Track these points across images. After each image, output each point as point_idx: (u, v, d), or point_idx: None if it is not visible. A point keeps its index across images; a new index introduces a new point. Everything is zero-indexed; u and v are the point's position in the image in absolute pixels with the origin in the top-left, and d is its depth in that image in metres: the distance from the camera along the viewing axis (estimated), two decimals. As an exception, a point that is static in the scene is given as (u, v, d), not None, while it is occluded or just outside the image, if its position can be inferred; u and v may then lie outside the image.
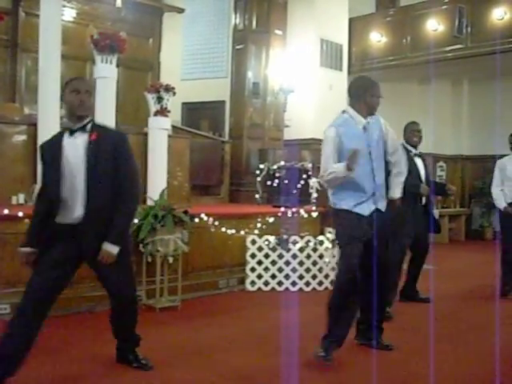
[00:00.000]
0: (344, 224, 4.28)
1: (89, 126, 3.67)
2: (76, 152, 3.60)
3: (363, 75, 4.78)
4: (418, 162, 6.11)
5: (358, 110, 4.33)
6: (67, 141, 3.64)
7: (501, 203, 6.66)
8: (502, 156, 6.96)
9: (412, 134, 6.11)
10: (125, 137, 3.80)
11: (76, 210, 3.59)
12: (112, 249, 3.60)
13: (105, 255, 3.59)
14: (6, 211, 5.51)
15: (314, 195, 8.07)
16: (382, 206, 4.37)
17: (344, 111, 4.41)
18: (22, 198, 6.98)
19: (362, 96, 4.33)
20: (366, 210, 4.26)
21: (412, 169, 5.79)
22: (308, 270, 7.01)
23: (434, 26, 10.96)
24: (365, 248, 4.25)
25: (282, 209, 7.48)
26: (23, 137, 7.34)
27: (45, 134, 6.82)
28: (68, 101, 3.65)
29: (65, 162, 3.59)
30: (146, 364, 3.96)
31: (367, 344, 4.55)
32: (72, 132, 3.65)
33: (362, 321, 4.61)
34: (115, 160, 3.63)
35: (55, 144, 3.67)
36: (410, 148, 6.04)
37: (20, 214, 5.39)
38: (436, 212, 10.60)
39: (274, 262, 6.97)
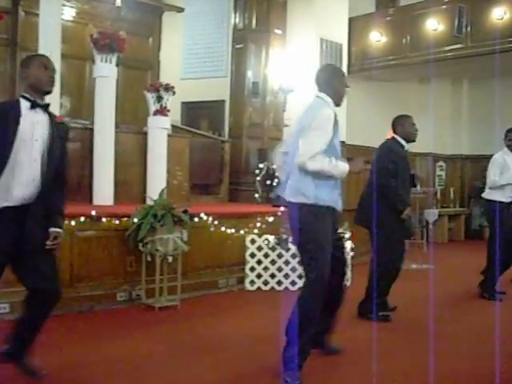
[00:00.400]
0: (323, 223, 3.94)
1: (48, 107, 3.51)
2: (32, 127, 3.38)
3: (330, 63, 4.64)
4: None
5: (332, 97, 4.11)
6: (26, 112, 3.39)
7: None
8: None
9: (413, 128, 5.63)
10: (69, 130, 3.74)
11: (23, 190, 3.35)
12: (60, 233, 3.49)
13: (57, 236, 3.44)
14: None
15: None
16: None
17: (318, 97, 4.13)
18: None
19: (332, 83, 4.13)
20: (340, 204, 4.06)
21: (405, 168, 5.55)
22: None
23: (434, 25, 10.95)
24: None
25: (282, 208, 7.47)
26: (23, 136, 7.33)
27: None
28: (35, 75, 3.44)
29: (17, 134, 3.33)
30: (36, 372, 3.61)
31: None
32: (34, 106, 3.43)
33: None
34: (63, 152, 3.53)
35: (14, 109, 3.38)
36: (403, 143, 5.58)
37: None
38: (435, 212, 10.63)
39: (273, 262, 6.97)
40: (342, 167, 3.93)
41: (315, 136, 3.85)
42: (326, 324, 4.29)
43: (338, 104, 4.16)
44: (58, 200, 3.53)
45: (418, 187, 6.31)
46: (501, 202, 6.55)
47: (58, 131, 3.49)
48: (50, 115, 3.49)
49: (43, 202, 3.40)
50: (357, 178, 7.89)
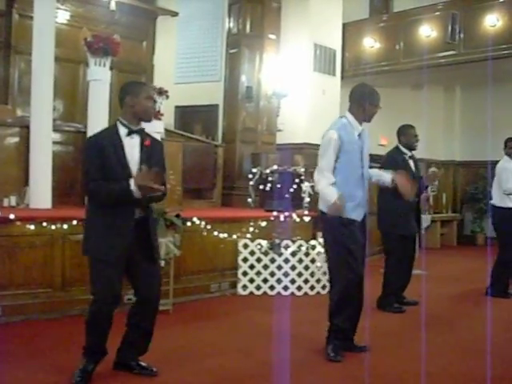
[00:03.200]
0: (340, 233, 4.33)
1: (142, 131, 3.83)
2: (132, 152, 3.72)
3: (365, 83, 4.82)
4: (411, 163, 6.25)
5: (356, 116, 4.41)
6: (125, 139, 3.73)
7: None
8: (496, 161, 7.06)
9: (415, 138, 6.28)
10: (163, 146, 4.05)
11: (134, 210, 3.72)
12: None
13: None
14: (-3, 213, 5.49)
15: (307, 200, 8.08)
16: (366, 213, 4.46)
17: (342, 116, 4.48)
18: (13, 200, 6.96)
19: (363, 103, 4.39)
20: (359, 215, 4.34)
21: (407, 171, 5.79)
22: (300, 275, 7.01)
23: (427, 32, 11.00)
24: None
25: (275, 213, 7.49)
26: (15, 139, 7.33)
27: (37, 136, 6.84)
28: (143, 105, 3.76)
29: (128, 160, 3.70)
30: (151, 369, 3.98)
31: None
32: (130, 132, 3.75)
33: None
34: (159, 166, 3.80)
35: (116, 140, 3.72)
36: (405, 151, 6.21)
37: (12, 216, 5.36)
38: (428, 217, 10.65)
39: (266, 266, 6.97)
40: (330, 194, 4.27)
41: (323, 162, 4.38)
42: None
43: (366, 121, 4.47)
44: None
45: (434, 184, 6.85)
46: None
47: (152, 152, 3.83)
48: (142, 139, 3.81)
49: (148, 218, 3.89)
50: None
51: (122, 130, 3.75)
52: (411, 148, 6.26)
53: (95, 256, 3.70)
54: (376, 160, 6.17)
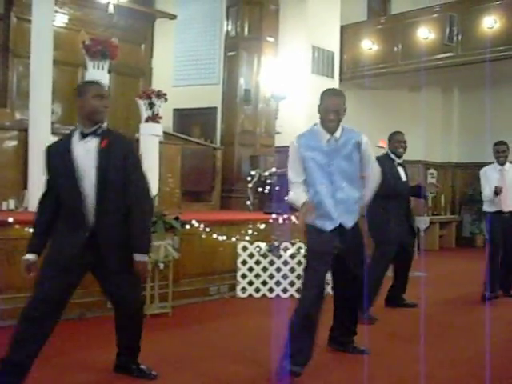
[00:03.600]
0: (310, 238, 4.29)
1: (100, 131, 3.59)
2: (86, 156, 3.51)
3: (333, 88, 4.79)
4: (401, 171, 6.22)
5: (322, 124, 4.22)
6: (77, 144, 3.55)
7: None
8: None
9: (398, 144, 6.17)
10: (132, 144, 3.84)
11: (85, 218, 3.53)
12: (142, 258, 3.62)
13: (139, 267, 3.60)
14: (-4, 217, 5.49)
15: (305, 202, 8.07)
16: (348, 221, 4.24)
17: (315, 124, 4.30)
18: (12, 203, 6.97)
19: (319, 109, 4.23)
20: (327, 225, 4.18)
21: (394, 175, 6.05)
22: (299, 277, 6.99)
23: (425, 34, 11.02)
24: (338, 262, 4.28)
25: (274, 215, 7.48)
26: (14, 142, 7.33)
27: (36, 139, 6.84)
28: (90, 104, 3.54)
29: (75, 167, 3.51)
30: (149, 373, 3.92)
31: (340, 349, 4.61)
32: (84, 135, 3.56)
33: (334, 327, 4.69)
34: (125, 169, 3.57)
35: (64, 148, 3.57)
36: (393, 157, 6.16)
37: (10, 219, 5.36)
38: (427, 219, 10.65)
39: (265, 269, 6.97)
40: (297, 200, 4.17)
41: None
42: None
43: (325, 127, 4.21)
44: (131, 227, 3.66)
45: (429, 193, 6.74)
46: None
47: (109, 153, 3.56)
48: (100, 140, 3.58)
49: (108, 226, 3.59)
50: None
51: (76, 135, 3.58)
52: (396, 154, 6.15)
53: (44, 258, 3.62)
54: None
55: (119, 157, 3.57)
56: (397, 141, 6.20)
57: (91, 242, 3.53)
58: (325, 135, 4.18)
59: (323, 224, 4.17)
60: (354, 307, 4.60)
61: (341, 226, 4.18)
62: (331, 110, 4.15)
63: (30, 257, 3.58)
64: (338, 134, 4.20)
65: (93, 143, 3.54)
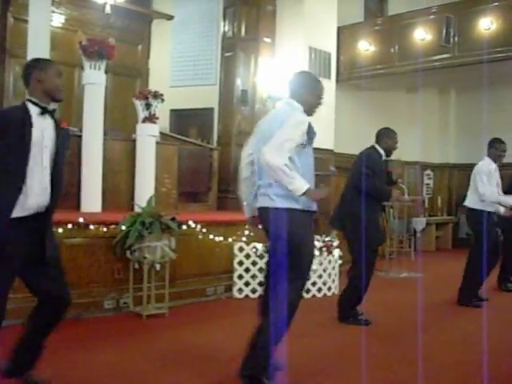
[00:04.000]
0: (301, 225, 3.78)
1: (55, 111, 3.41)
2: (43, 134, 3.27)
3: (305, 71, 4.56)
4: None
5: (310, 108, 3.99)
6: (37, 120, 3.27)
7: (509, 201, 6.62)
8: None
9: (396, 145, 5.90)
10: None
11: (36, 198, 3.26)
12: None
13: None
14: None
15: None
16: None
17: (288, 103, 3.98)
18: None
19: (304, 93, 3.99)
20: (314, 206, 3.83)
21: (381, 174, 5.73)
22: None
23: (422, 35, 11.03)
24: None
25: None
26: (10, 142, 7.31)
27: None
28: (53, 82, 3.36)
29: (34, 142, 3.24)
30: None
31: None
32: (44, 111, 3.32)
33: None
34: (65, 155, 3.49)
35: (25, 120, 3.23)
36: (382, 153, 5.81)
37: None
38: (423, 220, 10.67)
39: (261, 270, 6.95)
40: (299, 184, 3.54)
41: (287, 133, 3.60)
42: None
43: (309, 114, 3.95)
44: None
45: (398, 181, 6.44)
46: None
47: (63, 138, 3.44)
48: (56, 121, 3.40)
49: (54, 210, 3.38)
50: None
51: (33, 109, 3.28)
52: (388, 154, 5.88)
53: None
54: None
55: (67, 142, 3.53)
56: (396, 141, 5.91)
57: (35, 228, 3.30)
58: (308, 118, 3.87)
59: (311, 205, 3.79)
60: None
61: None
62: (323, 95, 4.05)
63: None
64: None
65: (49, 122, 3.34)
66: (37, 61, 3.49)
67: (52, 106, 3.45)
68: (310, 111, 3.96)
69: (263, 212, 3.88)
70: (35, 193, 3.25)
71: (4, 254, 3.20)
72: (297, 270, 3.75)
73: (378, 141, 5.85)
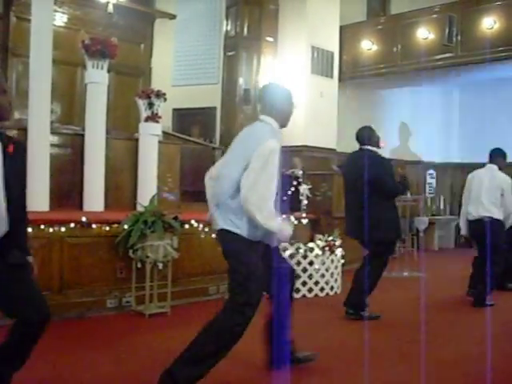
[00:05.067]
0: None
1: (1, 134, 2.98)
2: None
3: (273, 82, 4.40)
4: None
5: (283, 122, 3.84)
6: None
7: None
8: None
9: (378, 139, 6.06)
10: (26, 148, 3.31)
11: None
12: (31, 259, 3.11)
13: (33, 267, 3.11)
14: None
15: (305, 202, 8.08)
16: None
17: (262, 121, 3.81)
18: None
19: (282, 105, 3.85)
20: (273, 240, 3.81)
21: (392, 172, 5.91)
22: (297, 277, 7.00)
23: (425, 34, 11.02)
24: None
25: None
26: (13, 141, 7.31)
27: (35, 138, 6.83)
28: None
29: None
30: None
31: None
32: None
33: None
34: (24, 179, 3.13)
35: None
36: (380, 152, 6.01)
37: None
38: (426, 220, 10.65)
39: (263, 269, 6.95)
40: (281, 228, 3.62)
41: (264, 182, 3.49)
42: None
43: (283, 125, 3.84)
44: (21, 235, 3.09)
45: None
46: None
47: (16, 161, 2.99)
48: (3, 143, 2.93)
49: (16, 232, 3.00)
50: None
51: None
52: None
53: None
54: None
55: (21, 162, 3.07)
56: (377, 135, 6.07)
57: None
58: (280, 136, 3.75)
59: (270, 239, 3.75)
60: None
61: None
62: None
63: None
64: None
65: None
66: None
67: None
68: (285, 121, 3.85)
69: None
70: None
71: None
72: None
73: (369, 143, 5.96)
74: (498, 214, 6.58)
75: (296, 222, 7.58)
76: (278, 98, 3.84)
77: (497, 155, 6.75)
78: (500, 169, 6.70)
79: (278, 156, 3.56)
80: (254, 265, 3.63)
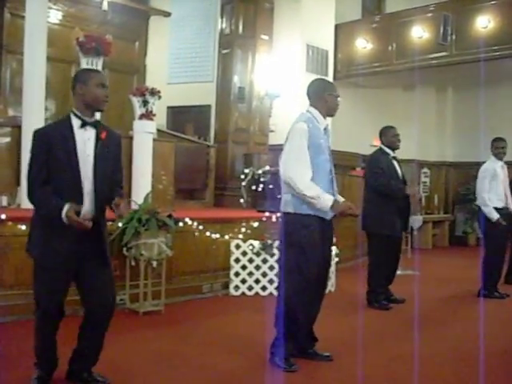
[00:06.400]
0: (309, 230, 4.09)
1: (98, 122, 3.54)
2: (85, 145, 3.42)
3: (320, 77, 4.85)
4: (396, 165, 6.37)
5: (320, 110, 4.28)
6: (78, 132, 3.41)
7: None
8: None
9: (395, 138, 6.32)
10: (121, 137, 3.78)
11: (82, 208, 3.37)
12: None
13: (122, 206, 3.44)
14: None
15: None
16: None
17: (307, 111, 4.34)
18: (5, 200, 6.94)
19: (323, 96, 4.28)
20: (327, 213, 4.13)
21: (392, 171, 6.25)
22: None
23: (419, 33, 11.04)
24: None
25: (267, 213, 7.48)
26: (7, 139, 7.30)
27: (29, 135, 6.80)
28: (93, 93, 3.42)
29: (79, 155, 3.39)
30: (104, 381, 3.67)
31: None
32: (84, 124, 3.44)
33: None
34: (116, 161, 3.65)
35: (66, 134, 3.40)
36: (388, 151, 6.29)
37: (3, 216, 5.34)
38: (420, 218, 10.67)
39: (258, 267, 6.96)
40: (322, 200, 4.00)
41: (297, 161, 4.07)
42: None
43: (329, 114, 4.34)
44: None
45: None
46: None
47: (108, 145, 3.54)
48: (97, 131, 3.49)
49: (101, 217, 3.53)
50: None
51: (75, 122, 3.43)
52: (393, 148, 6.34)
53: (39, 261, 3.44)
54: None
55: (113, 148, 3.60)
56: (393, 134, 6.31)
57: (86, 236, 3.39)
58: (323, 123, 4.27)
59: (326, 214, 4.11)
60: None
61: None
62: (336, 92, 4.35)
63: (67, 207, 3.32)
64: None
65: (91, 133, 3.46)
66: (81, 73, 3.59)
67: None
68: (329, 110, 4.32)
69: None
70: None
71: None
72: None
73: (380, 141, 6.39)
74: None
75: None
76: (312, 90, 4.35)
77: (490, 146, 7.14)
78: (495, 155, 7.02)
79: (306, 133, 4.10)
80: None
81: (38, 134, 3.47)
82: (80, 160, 3.39)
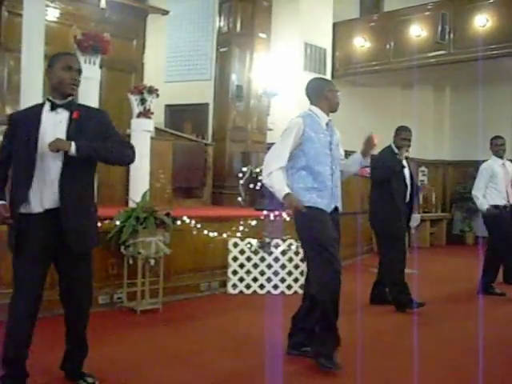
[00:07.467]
0: (313, 222, 4.13)
1: (71, 104, 3.44)
2: (55, 129, 3.34)
3: (316, 77, 4.95)
4: (404, 162, 6.27)
5: (322, 107, 4.32)
6: (47, 115, 3.38)
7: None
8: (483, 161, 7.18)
9: (404, 141, 6.23)
10: (107, 114, 3.63)
11: (46, 196, 3.32)
12: (70, 145, 3.28)
13: (58, 142, 3.27)
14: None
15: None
16: (340, 206, 4.33)
17: (308, 109, 4.38)
18: (2, 198, 6.92)
19: (322, 93, 4.32)
20: (328, 206, 4.19)
21: (399, 179, 6.20)
22: (290, 273, 7.01)
23: (418, 31, 11.04)
24: None
25: (265, 212, 7.48)
26: (5, 137, 7.28)
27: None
28: (57, 76, 3.38)
29: (40, 140, 3.30)
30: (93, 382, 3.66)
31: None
32: (54, 107, 3.39)
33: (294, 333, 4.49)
34: (99, 137, 3.43)
35: (32, 117, 3.38)
36: (396, 151, 6.22)
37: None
38: (418, 216, 10.67)
39: (255, 265, 6.97)
40: (280, 189, 4.08)
41: (273, 150, 4.32)
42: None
43: (331, 110, 4.38)
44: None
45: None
46: None
47: (81, 125, 3.39)
48: (70, 113, 3.42)
49: (73, 205, 3.38)
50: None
51: (47, 106, 3.40)
52: (399, 148, 6.26)
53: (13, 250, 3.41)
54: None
55: (94, 126, 3.45)
56: (403, 137, 6.25)
57: (54, 224, 3.33)
58: (324, 118, 4.31)
59: (327, 204, 4.18)
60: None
61: (334, 209, 4.27)
62: (334, 87, 4.41)
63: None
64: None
65: (63, 115, 3.39)
66: (51, 57, 3.55)
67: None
68: (329, 106, 4.36)
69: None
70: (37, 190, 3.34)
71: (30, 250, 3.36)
72: None
73: (394, 142, 6.36)
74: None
75: (288, 219, 7.57)
76: (312, 90, 4.42)
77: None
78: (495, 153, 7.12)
79: (300, 129, 4.17)
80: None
81: (10, 118, 3.56)
82: (43, 143, 3.29)
